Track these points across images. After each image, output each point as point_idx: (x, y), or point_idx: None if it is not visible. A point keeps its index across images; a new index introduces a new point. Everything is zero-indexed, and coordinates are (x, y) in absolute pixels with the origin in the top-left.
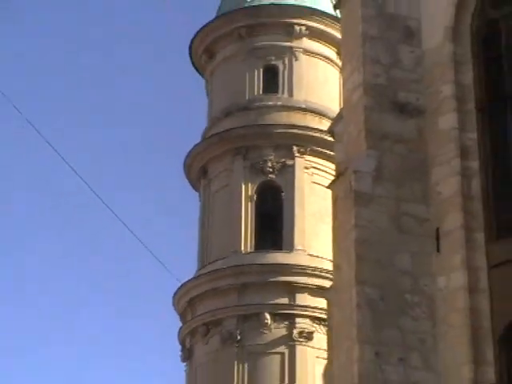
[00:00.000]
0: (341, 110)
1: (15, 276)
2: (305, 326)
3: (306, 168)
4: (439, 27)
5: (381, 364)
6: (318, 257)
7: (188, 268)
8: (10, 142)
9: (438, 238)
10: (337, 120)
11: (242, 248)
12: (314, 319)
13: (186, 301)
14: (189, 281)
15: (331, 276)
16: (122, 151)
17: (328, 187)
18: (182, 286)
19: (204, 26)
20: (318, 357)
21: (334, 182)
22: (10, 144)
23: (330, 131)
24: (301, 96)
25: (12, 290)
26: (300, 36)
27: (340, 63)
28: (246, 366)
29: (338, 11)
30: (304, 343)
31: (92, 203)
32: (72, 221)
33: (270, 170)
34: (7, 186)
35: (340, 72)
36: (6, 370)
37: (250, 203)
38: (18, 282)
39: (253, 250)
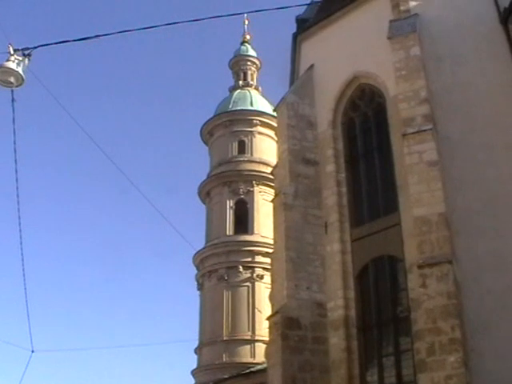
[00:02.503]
0: (277, 162)
1: None
2: (260, 272)
3: (260, 192)
4: (325, 121)
5: (297, 290)
6: (266, 237)
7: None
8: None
9: (326, 227)
10: (275, 167)
11: (227, 233)
12: (264, 268)
13: (200, 259)
14: (201, 249)
15: (272, 246)
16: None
17: (271, 201)
18: (197, 252)
19: (208, 120)
20: (266, 288)
21: (274, 199)
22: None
23: (272, 173)
24: (257, 155)
25: None
26: (256, 125)
27: (276, 139)
28: (229, 293)
29: (275, 112)
30: (259, 281)
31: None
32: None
33: (241, 193)
34: None
35: (276, 143)
36: None
37: (231, 210)
38: None
39: (232, 234)
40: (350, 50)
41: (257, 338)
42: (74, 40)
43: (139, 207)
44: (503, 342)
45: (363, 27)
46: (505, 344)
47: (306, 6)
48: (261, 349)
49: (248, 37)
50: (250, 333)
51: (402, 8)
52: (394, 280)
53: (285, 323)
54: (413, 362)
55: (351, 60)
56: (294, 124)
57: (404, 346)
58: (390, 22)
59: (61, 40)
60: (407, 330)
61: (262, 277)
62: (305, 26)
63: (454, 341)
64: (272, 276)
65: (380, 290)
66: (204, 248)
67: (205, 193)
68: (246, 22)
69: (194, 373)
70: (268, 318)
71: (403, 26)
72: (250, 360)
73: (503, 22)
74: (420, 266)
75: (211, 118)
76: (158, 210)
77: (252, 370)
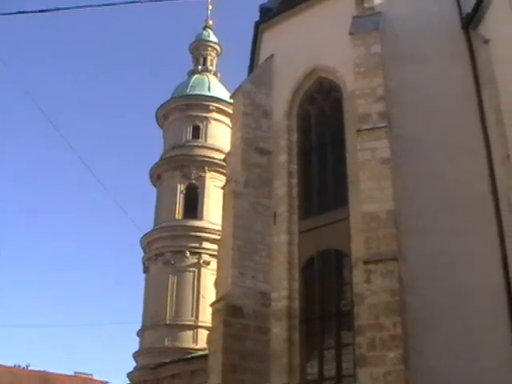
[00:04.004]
0: (230, 149)
1: None
2: (206, 258)
3: (211, 178)
4: (281, 111)
5: (243, 279)
6: (214, 223)
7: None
8: None
9: (274, 217)
10: (228, 154)
11: (176, 217)
12: (211, 255)
13: (147, 242)
14: (149, 232)
15: (220, 233)
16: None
17: (222, 188)
18: (145, 234)
19: (164, 103)
20: (212, 274)
21: (224, 186)
22: None
23: (224, 160)
24: (211, 141)
25: None
26: (212, 111)
27: (231, 126)
28: (175, 277)
29: (231, 99)
30: (205, 267)
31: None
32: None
33: (193, 178)
34: None
35: (231, 130)
36: None
37: (181, 194)
38: None
39: (181, 218)
40: (311, 43)
41: (200, 323)
42: (33, 11)
43: (89, 188)
44: (443, 341)
45: (326, 21)
46: (445, 343)
47: None
48: (203, 335)
49: (210, 22)
50: (193, 318)
51: (366, 5)
52: (339, 274)
53: (228, 311)
54: (353, 357)
55: (311, 53)
56: (250, 112)
57: (345, 339)
58: (353, 18)
59: (19, 10)
60: (349, 325)
61: (208, 263)
62: (268, 15)
63: (395, 337)
64: (218, 263)
65: (325, 283)
66: (152, 231)
67: (156, 176)
68: (210, 7)
69: (135, 355)
70: (211, 305)
71: (366, 22)
72: (192, 346)
73: (465, 27)
74: (365, 262)
75: (167, 101)
76: (107, 189)
77: (193, 355)
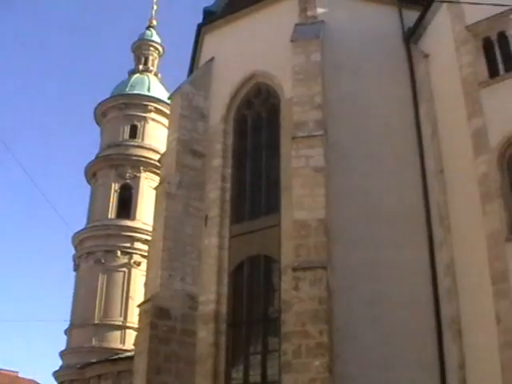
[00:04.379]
0: (165, 151)
1: None
2: (137, 258)
3: (146, 178)
4: (218, 115)
5: (171, 280)
6: (147, 224)
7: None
8: None
9: (206, 220)
10: (163, 155)
11: (109, 216)
12: (142, 255)
13: (79, 240)
14: (81, 230)
15: (151, 234)
16: None
17: (154, 189)
18: (77, 232)
19: (102, 101)
20: (142, 275)
21: (157, 186)
22: None
23: (159, 161)
24: (147, 142)
25: None
26: (151, 111)
27: (168, 127)
28: (105, 277)
29: (169, 101)
30: (136, 268)
31: None
32: None
33: (128, 177)
34: None
35: (167, 131)
36: None
37: (115, 194)
38: None
39: (114, 218)
40: (252, 48)
41: (128, 324)
42: None
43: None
44: (369, 350)
45: (268, 27)
46: (370, 353)
47: None
48: (132, 336)
49: (154, 22)
50: (121, 319)
51: (309, 13)
52: (267, 280)
53: (155, 312)
54: (279, 363)
55: (252, 58)
56: (187, 114)
57: (272, 346)
58: (296, 25)
59: None
60: (276, 331)
61: (139, 263)
62: (211, 18)
63: (321, 345)
64: (148, 264)
65: (253, 288)
66: (84, 229)
67: (91, 174)
68: (155, 8)
69: (62, 354)
70: (139, 306)
71: (307, 30)
72: (120, 346)
73: (406, 41)
74: (294, 269)
75: (106, 99)
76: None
77: (120, 356)
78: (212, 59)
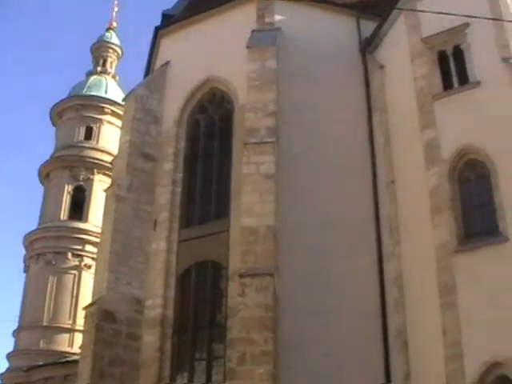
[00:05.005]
0: (117, 153)
1: None
2: (88, 261)
3: (100, 181)
4: (171, 119)
5: (118, 284)
6: (99, 227)
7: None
8: None
9: (155, 224)
10: (115, 158)
11: (61, 217)
12: (93, 258)
13: (30, 241)
14: (32, 231)
15: (100, 236)
16: None
17: (105, 191)
18: (28, 233)
19: (58, 102)
20: (92, 278)
21: (107, 189)
22: None
23: (112, 163)
24: (102, 144)
25: None
26: (107, 113)
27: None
28: (55, 279)
29: (123, 103)
30: (86, 270)
31: None
32: None
33: (81, 179)
34: None
35: (120, 133)
36: None
37: (68, 195)
38: None
39: (66, 219)
40: (208, 53)
41: (77, 327)
42: None
43: None
44: (314, 360)
45: (225, 33)
46: (315, 362)
47: (175, 2)
48: (80, 339)
49: (114, 24)
50: (70, 322)
51: (266, 20)
52: (215, 286)
53: (101, 315)
54: (224, 369)
55: (208, 63)
56: (140, 117)
57: (217, 352)
58: (252, 31)
59: None
60: (222, 337)
61: (89, 266)
62: (169, 21)
63: (266, 353)
64: (96, 266)
65: (200, 293)
66: (35, 230)
67: (45, 174)
68: (116, 9)
69: (9, 356)
70: (85, 308)
71: (264, 37)
72: (68, 349)
73: (362, 51)
74: (241, 275)
75: (62, 100)
76: None
77: (68, 359)
78: (168, 63)
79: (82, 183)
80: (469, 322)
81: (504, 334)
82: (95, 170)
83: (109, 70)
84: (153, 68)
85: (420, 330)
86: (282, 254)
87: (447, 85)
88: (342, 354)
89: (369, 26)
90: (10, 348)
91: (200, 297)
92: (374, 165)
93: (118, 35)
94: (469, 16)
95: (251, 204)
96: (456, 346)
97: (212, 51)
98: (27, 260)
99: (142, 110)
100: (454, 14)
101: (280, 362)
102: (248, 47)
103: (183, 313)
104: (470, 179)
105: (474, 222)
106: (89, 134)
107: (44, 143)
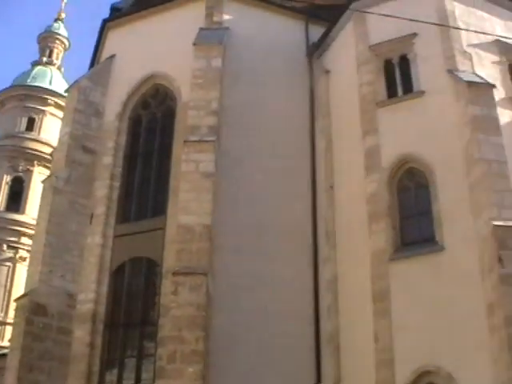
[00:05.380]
0: (57, 144)
1: None
2: (23, 254)
3: (40, 173)
4: (113, 112)
5: (50, 276)
6: (34, 219)
7: None
8: None
9: (91, 218)
10: (55, 149)
11: None
12: (28, 251)
13: None
14: None
15: (35, 228)
16: None
17: (42, 182)
18: None
19: (1, 91)
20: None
21: (45, 180)
22: None
23: (51, 155)
24: (44, 136)
25: None
26: (50, 105)
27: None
28: None
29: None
30: (21, 263)
31: None
32: None
33: (21, 170)
34: None
35: (61, 125)
36: None
37: (6, 186)
38: None
39: (3, 210)
40: (155, 49)
41: (9, 320)
42: None
43: None
44: (245, 361)
45: (173, 29)
46: (246, 363)
47: None
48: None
49: (63, 15)
50: (2, 314)
51: (214, 19)
52: (148, 283)
53: (31, 308)
54: (154, 368)
55: (153, 58)
56: (82, 109)
57: (148, 350)
58: (200, 29)
59: None
60: (153, 335)
61: (24, 259)
62: (117, 14)
63: (197, 352)
64: (30, 258)
65: (133, 290)
66: None
67: None
68: (65, 0)
69: None
70: (16, 300)
71: (211, 35)
72: None
73: (309, 55)
74: (175, 273)
75: (6, 89)
76: None
77: None
78: (113, 56)
79: (21, 174)
80: (401, 329)
81: (435, 342)
82: (35, 162)
83: (55, 61)
84: (98, 60)
85: (353, 336)
86: (218, 253)
87: (391, 93)
88: (274, 356)
89: (318, 31)
90: None
91: (133, 294)
92: (313, 169)
93: (66, 26)
94: (416, 20)
95: (188, 202)
96: (387, 352)
97: (158, 47)
98: None
99: (84, 102)
100: (402, 18)
101: (211, 361)
102: (194, 44)
103: (115, 309)
104: (409, 188)
105: (411, 231)
106: (31, 124)
107: None
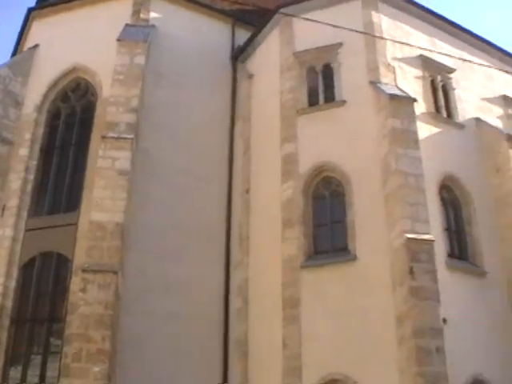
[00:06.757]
0: None
1: None
2: None
3: None
4: (32, 104)
5: None
6: None
7: None
8: None
9: (3, 210)
10: None
11: None
12: None
13: None
14: None
15: None
16: None
17: None
18: None
19: None
20: None
21: None
22: None
23: None
24: None
25: None
26: None
27: None
28: None
29: None
30: None
31: None
32: None
33: None
34: None
35: None
36: None
37: None
38: None
39: None
40: (79, 42)
41: None
42: None
43: None
44: (153, 362)
45: (98, 23)
46: (154, 364)
47: None
48: None
49: None
50: None
51: (141, 16)
52: (58, 279)
53: None
54: (59, 366)
55: (76, 51)
56: (0, 99)
57: (55, 347)
58: (126, 25)
59: None
60: (60, 333)
61: None
62: (43, 4)
63: (103, 352)
64: None
65: (42, 286)
66: None
67: None
68: None
69: None
70: None
71: (136, 32)
72: None
73: (233, 58)
74: (84, 271)
75: None
76: None
77: None
78: (36, 46)
79: None
80: (310, 336)
81: (344, 351)
82: None
83: None
84: (21, 50)
85: (261, 341)
86: (130, 252)
87: (313, 101)
88: (181, 358)
89: (245, 35)
90: None
91: (42, 289)
92: (230, 172)
93: None
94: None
95: (102, 199)
96: (295, 359)
97: (83, 40)
98: None
99: (2, 92)
100: (329, 24)
101: (117, 361)
102: (118, 40)
103: (23, 304)
104: (325, 196)
105: (324, 239)
106: None
107: None
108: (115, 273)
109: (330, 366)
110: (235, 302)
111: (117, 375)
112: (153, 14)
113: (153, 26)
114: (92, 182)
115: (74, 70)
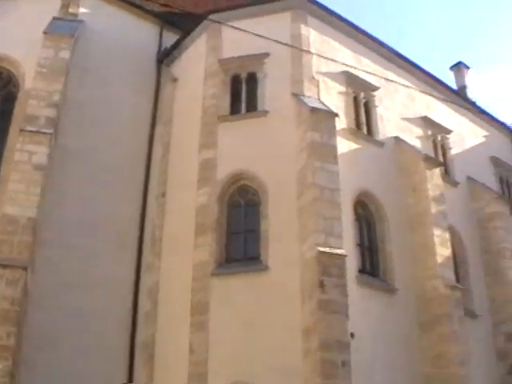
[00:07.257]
0: None
1: None
2: None
3: None
4: None
5: None
6: None
7: None
8: None
9: None
10: None
11: None
12: None
13: None
14: None
15: None
16: None
17: None
18: None
19: None
20: None
21: None
22: None
23: None
24: None
25: None
26: None
27: None
28: None
29: None
30: None
31: None
32: None
33: None
34: None
35: None
36: None
37: None
38: None
39: None
40: (5, 31)
41: None
42: None
43: None
44: (59, 359)
45: (27, 15)
46: (60, 362)
47: None
48: None
49: None
50: None
51: (70, 10)
52: None
53: None
54: None
55: (1, 41)
56: None
57: None
58: (53, 18)
59: None
60: None
61: None
62: None
63: (7, 348)
64: None
65: None
66: None
67: None
68: None
69: None
70: None
71: (63, 26)
72: None
73: (159, 61)
74: None
75: None
76: None
77: None
78: None
79: None
80: (217, 343)
81: (250, 360)
82: None
83: None
84: None
85: (168, 346)
86: (42, 248)
87: (235, 109)
88: (88, 358)
89: (173, 38)
90: None
91: None
92: (148, 174)
93: None
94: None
95: (16, 193)
96: (201, 365)
97: (9, 30)
98: None
99: None
100: (255, 34)
101: (23, 359)
102: (44, 33)
103: None
104: (240, 204)
105: (237, 248)
106: None
107: None
108: (24, 268)
109: (235, 374)
110: (144, 305)
111: (21, 373)
112: (82, 9)
113: (81, 21)
114: (7, 174)
115: None
